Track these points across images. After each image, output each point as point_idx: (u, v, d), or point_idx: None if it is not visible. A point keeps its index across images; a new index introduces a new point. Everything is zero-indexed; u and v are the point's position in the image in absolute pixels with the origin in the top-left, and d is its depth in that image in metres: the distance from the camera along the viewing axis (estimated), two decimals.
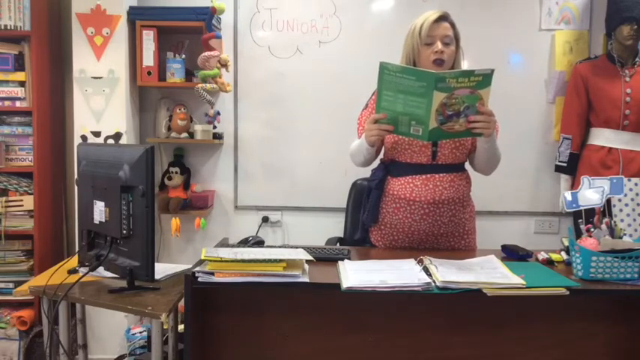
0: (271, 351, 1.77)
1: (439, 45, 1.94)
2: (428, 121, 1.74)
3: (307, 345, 1.76)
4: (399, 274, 1.63)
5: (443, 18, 1.96)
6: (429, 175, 2.01)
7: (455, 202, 2.04)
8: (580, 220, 1.80)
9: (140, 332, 2.77)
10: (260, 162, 3.17)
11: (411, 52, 1.99)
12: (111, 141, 2.87)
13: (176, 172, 3.02)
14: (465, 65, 3.09)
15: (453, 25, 1.98)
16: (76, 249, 2.16)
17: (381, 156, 2.19)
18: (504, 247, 1.99)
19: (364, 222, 2.17)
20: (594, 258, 1.62)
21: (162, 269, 1.92)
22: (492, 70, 1.70)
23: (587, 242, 1.66)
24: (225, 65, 2.88)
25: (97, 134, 2.88)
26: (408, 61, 2.00)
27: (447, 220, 2.05)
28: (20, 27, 2.78)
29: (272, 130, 3.14)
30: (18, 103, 2.83)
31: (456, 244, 2.11)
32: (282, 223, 3.21)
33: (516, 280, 1.58)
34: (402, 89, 1.73)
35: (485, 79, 1.72)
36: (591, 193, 1.75)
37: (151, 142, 2.99)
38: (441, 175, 2.01)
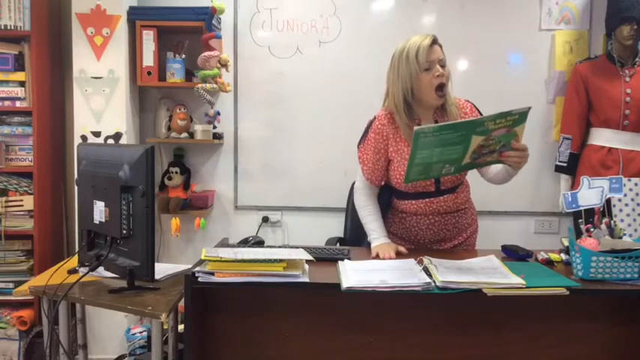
0: (271, 351, 1.77)
1: (440, 69, 1.88)
2: (461, 161, 1.74)
3: (307, 345, 1.76)
4: (399, 274, 1.63)
5: (434, 41, 1.91)
6: (433, 199, 2.02)
7: (458, 210, 2.09)
8: (580, 220, 1.80)
9: (140, 332, 2.77)
10: (260, 162, 3.17)
11: (408, 80, 1.90)
12: (111, 141, 2.87)
13: (176, 172, 3.02)
14: (460, 64, 3.10)
15: (441, 47, 1.94)
16: (76, 249, 2.16)
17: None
18: (504, 247, 1.99)
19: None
20: (594, 258, 1.62)
21: (162, 269, 1.92)
22: (529, 108, 1.68)
23: (587, 242, 1.67)
24: (225, 65, 2.88)
25: (97, 134, 2.88)
26: (405, 90, 1.91)
27: (451, 227, 2.09)
28: (20, 27, 2.78)
29: (272, 130, 3.14)
30: (18, 103, 2.83)
31: (459, 243, 2.13)
32: (282, 223, 3.21)
33: (516, 280, 1.58)
34: (439, 144, 1.65)
35: (521, 117, 1.69)
36: (591, 193, 1.75)
37: (151, 142, 2.99)
38: (445, 196, 2.03)
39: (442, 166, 1.74)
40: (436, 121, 1.98)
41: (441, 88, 1.90)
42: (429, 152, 1.67)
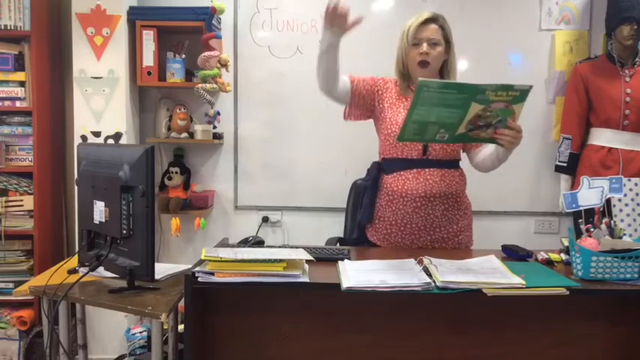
0: (271, 351, 1.77)
1: (424, 47, 1.99)
2: (457, 128, 1.74)
3: (307, 345, 1.76)
4: (399, 274, 1.63)
5: (431, 20, 2.00)
6: (420, 170, 2.04)
7: (447, 197, 2.07)
8: (580, 220, 1.80)
9: (140, 332, 2.77)
10: (260, 162, 3.17)
11: (400, 54, 2.07)
12: (111, 141, 2.87)
13: (176, 172, 3.02)
14: (460, 64, 3.10)
15: (442, 27, 2.02)
16: (76, 249, 2.16)
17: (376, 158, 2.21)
18: (504, 247, 1.99)
19: (360, 220, 2.20)
20: (594, 258, 1.62)
21: (162, 269, 1.92)
22: (531, 87, 1.70)
23: (587, 242, 1.67)
24: (225, 65, 2.88)
25: (97, 134, 2.88)
26: (399, 61, 2.08)
27: (440, 214, 2.08)
28: (20, 27, 2.78)
29: (272, 130, 3.14)
30: (18, 103, 2.83)
31: (450, 240, 2.12)
32: (282, 223, 3.21)
33: (516, 280, 1.58)
34: (439, 103, 1.67)
35: (522, 94, 1.71)
36: (591, 193, 1.75)
37: (151, 142, 2.99)
38: (432, 169, 2.04)
39: (437, 130, 1.75)
40: None
41: (422, 64, 2.00)
42: (427, 110, 1.68)
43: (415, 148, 2.03)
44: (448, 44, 2.06)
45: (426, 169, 2.04)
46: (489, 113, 1.73)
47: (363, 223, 2.19)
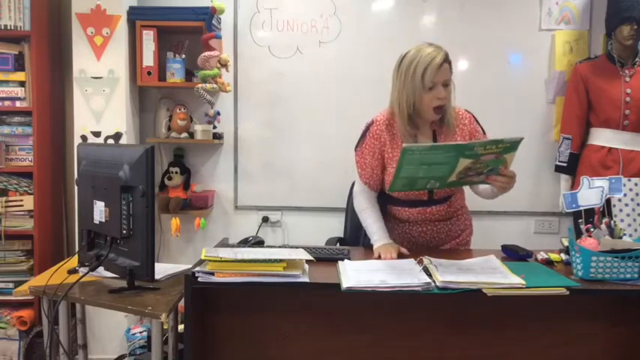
0: (271, 351, 1.77)
1: (442, 92, 1.89)
2: (447, 179, 1.75)
3: (307, 345, 1.76)
4: (399, 274, 1.63)
5: (445, 60, 1.89)
6: (425, 207, 2.04)
7: (451, 218, 2.12)
8: (580, 220, 1.80)
9: (140, 332, 2.77)
10: (260, 162, 3.17)
11: (411, 95, 1.90)
12: (111, 141, 2.87)
13: (176, 172, 3.02)
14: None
15: (450, 64, 1.92)
16: (76, 249, 2.16)
17: None
18: (504, 247, 1.99)
19: (364, 244, 2.17)
20: (594, 258, 1.62)
21: (162, 269, 1.92)
22: (521, 139, 1.69)
23: (587, 242, 1.67)
24: (225, 65, 2.88)
25: (97, 134, 2.88)
26: (408, 103, 1.91)
27: (444, 234, 2.12)
28: (20, 27, 2.78)
29: (272, 130, 3.14)
30: (18, 103, 2.83)
31: (451, 247, 2.15)
32: (282, 223, 3.21)
33: (516, 280, 1.58)
34: (427, 162, 1.67)
35: (512, 145, 1.69)
36: (591, 193, 1.75)
37: (151, 142, 2.99)
38: (437, 206, 2.05)
39: (427, 181, 1.75)
40: (434, 131, 2.02)
41: (439, 109, 1.91)
42: (414, 168, 1.68)
43: (420, 193, 2.00)
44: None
45: (432, 207, 2.04)
46: (479, 165, 1.72)
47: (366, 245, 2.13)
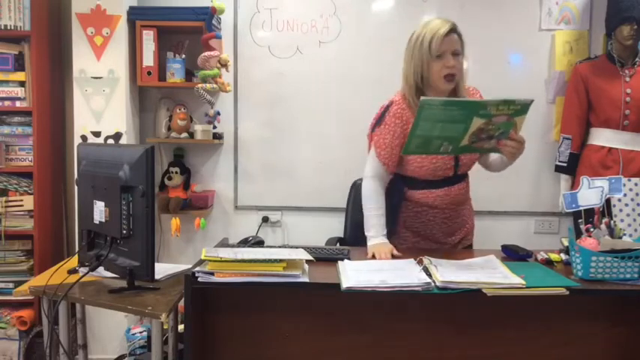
0: (271, 351, 1.77)
1: (451, 60, 1.90)
2: (460, 141, 1.77)
3: (307, 345, 1.76)
4: (398, 274, 1.63)
5: (452, 30, 1.91)
6: (449, 187, 2.04)
7: (465, 202, 2.15)
8: (580, 220, 1.80)
9: (140, 332, 2.77)
10: (260, 162, 3.17)
11: (419, 66, 1.92)
12: (111, 141, 2.87)
13: (176, 172, 3.02)
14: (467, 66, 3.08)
15: (460, 36, 1.95)
16: (76, 249, 2.16)
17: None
18: (504, 247, 1.99)
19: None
20: (594, 258, 1.62)
21: (162, 269, 1.92)
22: (532, 101, 1.72)
23: (587, 242, 1.67)
24: (225, 65, 2.88)
25: (97, 134, 2.88)
26: (416, 75, 1.94)
27: (460, 219, 2.13)
28: (20, 27, 2.78)
29: (272, 130, 3.14)
30: (18, 103, 2.83)
31: (462, 237, 2.16)
32: (282, 223, 3.21)
33: (516, 280, 1.58)
34: (442, 119, 1.69)
35: (523, 108, 1.73)
36: (591, 193, 1.75)
37: (151, 142, 2.99)
38: (458, 185, 2.06)
39: (441, 143, 1.77)
40: None
41: (449, 77, 1.92)
42: (430, 125, 1.70)
43: (447, 168, 2.01)
44: (463, 54, 1.99)
45: (454, 186, 2.05)
46: (491, 126, 1.74)
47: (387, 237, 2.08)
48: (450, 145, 1.78)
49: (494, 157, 2.06)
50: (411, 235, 2.10)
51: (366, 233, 2.01)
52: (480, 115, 1.68)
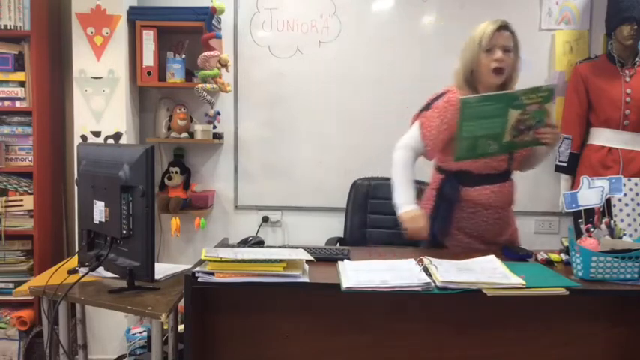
0: (271, 351, 1.77)
1: (499, 53, 1.95)
2: (503, 136, 1.87)
3: (307, 345, 1.76)
4: (399, 274, 1.63)
5: (504, 27, 1.99)
6: (501, 184, 2.05)
7: (513, 202, 2.16)
8: (580, 220, 1.80)
9: (140, 332, 2.77)
10: (260, 162, 3.17)
11: (469, 61, 2.00)
12: (111, 141, 2.87)
13: (176, 172, 3.02)
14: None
15: (513, 34, 2.01)
16: (76, 249, 2.16)
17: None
18: (504, 247, 1.99)
19: (437, 234, 2.07)
20: (594, 258, 1.62)
21: (162, 269, 1.92)
22: (555, 86, 1.86)
23: (587, 242, 1.67)
24: (225, 65, 2.88)
25: (97, 134, 2.88)
26: (466, 69, 2.01)
27: (508, 219, 2.15)
28: (20, 27, 2.78)
29: (272, 130, 3.14)
30: (18, 103, 2.83)
31: (512, 231, 2.18)
32: (282, 223, 3.21)
33: (516, 280, 1.58)
34: (482, 115, 1.83)
35: (548, 94, 1.85)
36: (591, 193, 1.75)
37: (151, 142, 2.99)
38: (509, 182, 2.09)
39: (487, 143, 1.88)
40: None
41: (498, 70, 1.96)
42: (473, 125, 1.84)
43: (500, 159, 2.02)
44: (516, 51, 2.04)
45: (506, 183, 2.07)
46: (527, 116, 1.87)
47: (441, 238, 2.09)
48: (495, 144, 1.89)
49: (539, 150, 2.08)
50: (463, 237, 2.10)
51: (395, 201, 2.01)
52: (514, 106, 1.82)
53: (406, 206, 1.97)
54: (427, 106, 2.07)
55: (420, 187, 2.14)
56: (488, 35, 1.96)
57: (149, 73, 2.90)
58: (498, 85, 1.99)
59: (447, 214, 2.05)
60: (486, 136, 1.86)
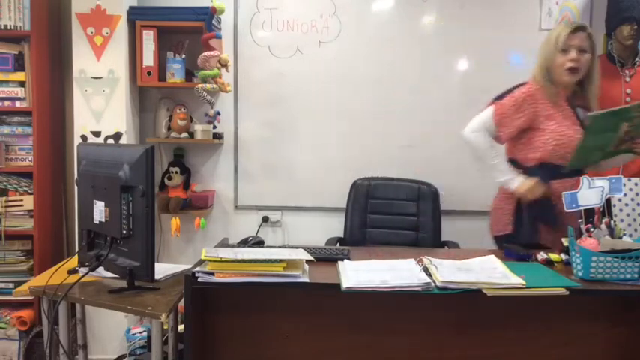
0: (271, 351, 1.77)
1: (574, 54, 2.04)
2: (609, 147, 1.98)
3: (307, 345, 1.76)
4: (399, 274, 1.63)
5: (581, 28, 2.06)
6: (578, 177, 2.03)
7: None
8: (580, 220, 1.80)
9: (140, 332, 2.77)
10: (260, 162, 3.17)
11: (544, 61, 2.12)
12: (111, 141, 2.87)
13: (176, 172, 3.02)
14: (460, 64, 3.07)
15: (589, 36, 2.08)
16: (76, 249, 2.16)
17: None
18: (504, 247, 1.99)
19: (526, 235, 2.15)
20: (594, 258, 1.62)
21: (162, 269, 1.92)
22: None
23: (587, 242, 1.67)
24: (225, 65, 2.88)
25: (97, 134, 2.88)
26: (542, 69, 2.12)
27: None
28: (20, 27, 2.78)
29: (272, 130, 3.14)
30: (18, 103, 2.83)
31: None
32: (282, 223, 3.21)
33: (516, 280, 1.58)
34: (603, 129, 1.96)
35: None
36: (591, 193, 1.75)
37: (151, 142, 2.99)
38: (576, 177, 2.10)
39: (596, 152, 2.01)
40: (569, 101, 2.15)
41: (572, 70, 2.06)
42: (594, 137, 1.96)
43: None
44: (593, 52, 2.11)
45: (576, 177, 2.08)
46: (631, 128, 1.99)
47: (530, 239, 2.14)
48: (601, 152, 2.01)
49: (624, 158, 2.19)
50: (546, 229, 2.13)
51: (500, 179, 2.12)
52: (626, 119, 1.94)
53: (517, 180, 2.09)
54: (501, 96, 2.16)
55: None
56: (564, 36, 2.05)
57: (149, 73, 2.90)
58: (572, 83, 2.08)
59: (535, 213, 2.12)
60: (599, 146, 2.00)
